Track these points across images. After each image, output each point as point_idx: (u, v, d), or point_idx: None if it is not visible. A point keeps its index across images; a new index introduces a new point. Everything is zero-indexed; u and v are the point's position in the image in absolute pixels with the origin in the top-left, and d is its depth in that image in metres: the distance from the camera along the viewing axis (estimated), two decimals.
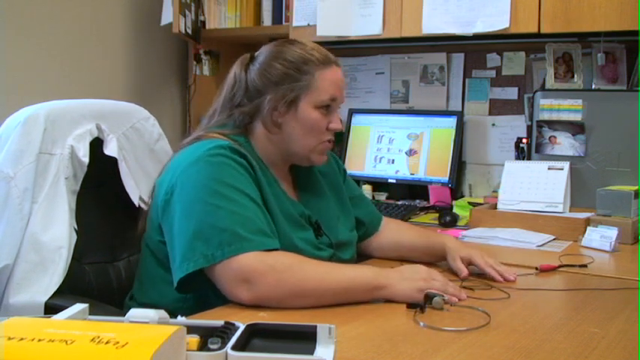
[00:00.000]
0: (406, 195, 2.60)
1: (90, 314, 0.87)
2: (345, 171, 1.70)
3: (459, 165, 2.57)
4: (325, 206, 1.54)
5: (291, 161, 1.50)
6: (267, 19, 2.83)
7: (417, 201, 2.53)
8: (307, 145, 1.44)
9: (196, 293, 1.31)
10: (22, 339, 0.68)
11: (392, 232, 1.70)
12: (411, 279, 1.27)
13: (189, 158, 1.34)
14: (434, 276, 1.29)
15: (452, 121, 2.55)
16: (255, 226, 1.25)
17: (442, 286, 1.26)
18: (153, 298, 1.42)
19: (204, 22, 2.92)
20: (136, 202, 1.65)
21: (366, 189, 2.60)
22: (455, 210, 2.28)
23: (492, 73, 2.61)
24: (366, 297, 1.25)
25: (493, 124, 2.61)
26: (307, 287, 1.22)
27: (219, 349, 0.79)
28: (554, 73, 2.37)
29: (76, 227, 1.59)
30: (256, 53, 1.48)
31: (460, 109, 2.65)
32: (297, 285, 1.21)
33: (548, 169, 2.15)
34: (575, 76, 2.36)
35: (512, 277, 1.45)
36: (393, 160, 2.63)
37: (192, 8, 2.89)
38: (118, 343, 0.67)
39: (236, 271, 1.20)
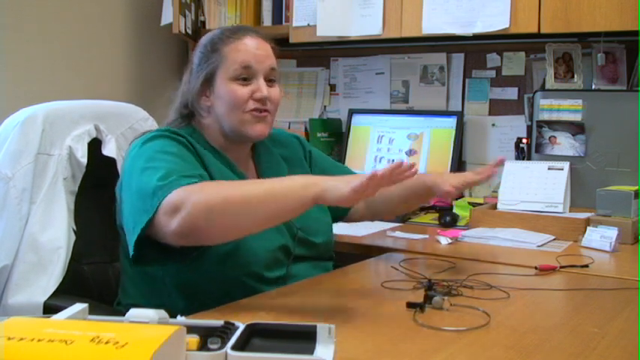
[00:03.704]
0: None
1: (89, 314, 0.86)
2: (310, 152, 1.70)
3: (459, 165, 2.57)
4: None
5: (240, 140, 1.50)
6: (267, 19, 2.82)
7: None
8: (234, 119, 1.44)
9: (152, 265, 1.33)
10: (21, 339, 0.68)
11: None
12: (346, 179, 1.15)
13: (131, 152, 1.38)
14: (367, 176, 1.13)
15: (452, 122, 2.55)
16: (181, 174, 1.25)
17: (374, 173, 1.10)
18: (137, 299, 1.43)
19: (204, 22, 2.92)
20: None
21: None
22: (455, 210, 2.28)
23: (492, 73, 2.60)
24: (297, 199, 1.16)
25: (493, 124, 2.61)
26: (232, 196, 1.17)
27: (219, 349, 0.79)
28: (554, 73, 2.37)
29: (74, 228, 1.59)
30: None
31: (460, 109, 2.65)
32: (221, 195, 1.17)
33: (548, 169, 2.15)
34: (575, 76, 2.36)
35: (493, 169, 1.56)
36: (393, 161, 2.62)
37: (192, 8, 2.89)
38: (117, 343, 0.67)
39: (165, 208, 1.19)
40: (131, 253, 1.25)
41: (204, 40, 1.49)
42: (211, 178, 1.37)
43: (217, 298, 1.24)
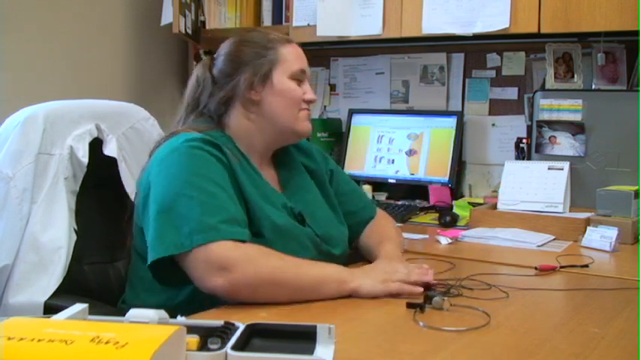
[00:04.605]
0: (406, 195, 2.60)
1: (89, 314, 0.86)
2: (332, 171, 1.68)
3: (459, 165, 2.57)
4: (310, 199, 1.55)
5: (276, 143, 1.52)
6: (267, 19, 2.83)
7: (417, 201, 2.52)
8: (290, 116, 1.48)
9: (174, 285, 1.33)
10: (21, 339, 0.68)
11: (375, 233, 1.66)
12: (374, 273, 1.32)
13: (163, 153, 1.36)
14: (396, 268, 1.34)
15: (452, 121, 2.55)
16: (226, 215, 1.27)
17: (405, 275, 1.30)
18: (144, 299, 1.42)
19: (204, 22, 2.92)
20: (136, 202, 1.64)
21: (366, 189, 2.60)
22: (455, 210, 2.28)
23: (492, 73, 2.61)
24: (335, 292, 1.27)
25: (493, 124, 2.61)
26: (284, 277, 1.24)
27: (219, 349, 0.79)
28: (554, 73, 2.37)
29: (75, 227, 1.59)
30: (216, 53, 1.52)
31: (460, 109, 2.65)
32: (275, 274, 1.24)
33: (548, 169, 2.15)
34: (575, 76, 2.36)
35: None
36: (393, 160, 2.63)
37: (192, 8, 2.89)
38: (117, 343, 0.67)
39: (210, 258, 1.22)
40: (148, 261, 1.26)
41: (255, 38, 1.49)
42: (240, 188, 1.37)
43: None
